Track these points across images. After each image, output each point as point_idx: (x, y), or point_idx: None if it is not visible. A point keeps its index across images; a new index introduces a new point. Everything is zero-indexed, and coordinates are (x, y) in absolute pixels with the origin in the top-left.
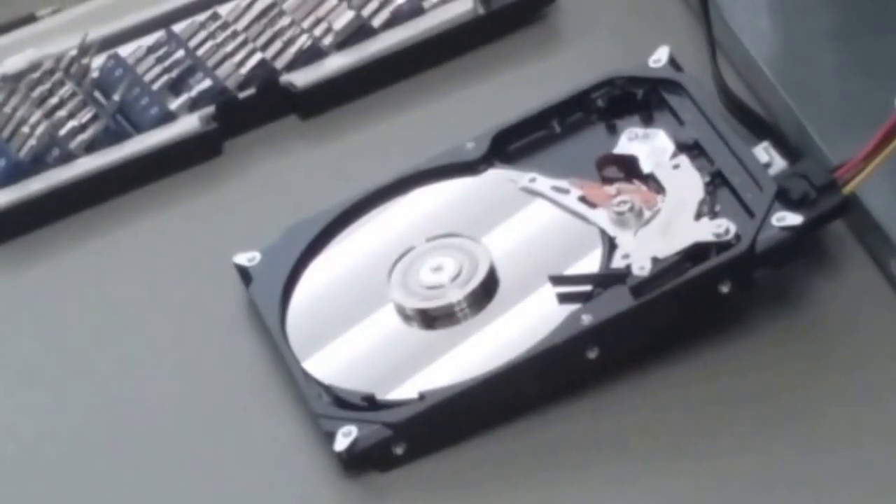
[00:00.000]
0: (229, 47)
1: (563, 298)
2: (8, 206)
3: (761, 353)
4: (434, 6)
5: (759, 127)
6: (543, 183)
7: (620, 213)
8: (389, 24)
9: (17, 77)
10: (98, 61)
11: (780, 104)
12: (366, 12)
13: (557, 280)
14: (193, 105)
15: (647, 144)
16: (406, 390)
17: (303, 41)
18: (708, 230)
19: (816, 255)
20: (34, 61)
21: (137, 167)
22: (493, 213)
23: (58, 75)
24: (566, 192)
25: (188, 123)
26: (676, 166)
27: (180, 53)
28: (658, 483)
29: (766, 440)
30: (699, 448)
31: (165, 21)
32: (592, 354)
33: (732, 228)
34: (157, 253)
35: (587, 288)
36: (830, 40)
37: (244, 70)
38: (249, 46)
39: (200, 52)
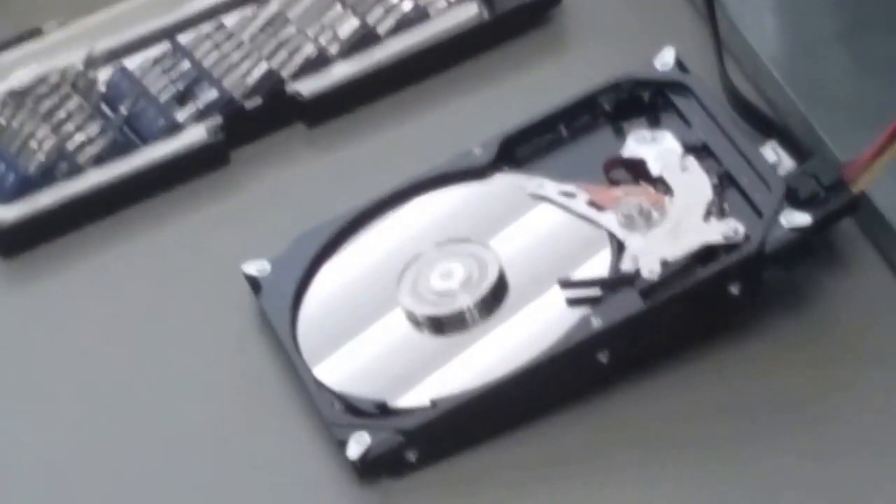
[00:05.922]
0: (235, 57)
1: (573, 302)
2: (17, 221)
3: (773, 354)
4: (439, 12)
5: (766, 127)
6: (551, 188)
7: (629, 216)
8: (395, 30)
9: (24, 92)
10: (104, 74)
11: (788, 103)
12: (371, 19)
13: (566, 284)
14: (200, 116)
15: (655, 147)
16: (417, 396)
17: (308, 50)
18: (717, 231)
19: (826, 255)
20: (40, 75)
21: (145, 179)
22: (502, 217)
23: (64, 89)
24: (573, 196)
25: (195, 134)
26: (684, 168)
27: (186, 65)
28: (673, 487)
29: (781, 443)
30: (714, 451)
31: (171, 32)
32: (603, 358)
33: (741, 229)
34: (166, 263)
35: (596, 291)
36: (838, 39)
37: (250, 80)
38: (255, 56)
39: (206, 62)
